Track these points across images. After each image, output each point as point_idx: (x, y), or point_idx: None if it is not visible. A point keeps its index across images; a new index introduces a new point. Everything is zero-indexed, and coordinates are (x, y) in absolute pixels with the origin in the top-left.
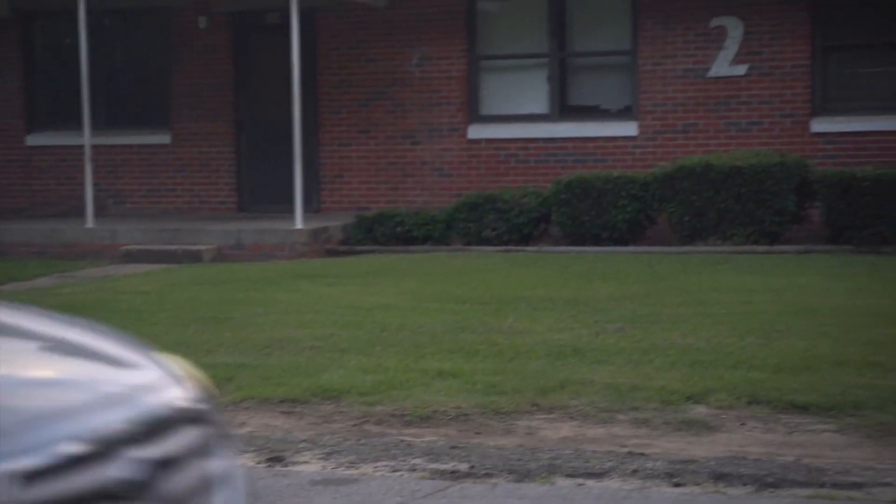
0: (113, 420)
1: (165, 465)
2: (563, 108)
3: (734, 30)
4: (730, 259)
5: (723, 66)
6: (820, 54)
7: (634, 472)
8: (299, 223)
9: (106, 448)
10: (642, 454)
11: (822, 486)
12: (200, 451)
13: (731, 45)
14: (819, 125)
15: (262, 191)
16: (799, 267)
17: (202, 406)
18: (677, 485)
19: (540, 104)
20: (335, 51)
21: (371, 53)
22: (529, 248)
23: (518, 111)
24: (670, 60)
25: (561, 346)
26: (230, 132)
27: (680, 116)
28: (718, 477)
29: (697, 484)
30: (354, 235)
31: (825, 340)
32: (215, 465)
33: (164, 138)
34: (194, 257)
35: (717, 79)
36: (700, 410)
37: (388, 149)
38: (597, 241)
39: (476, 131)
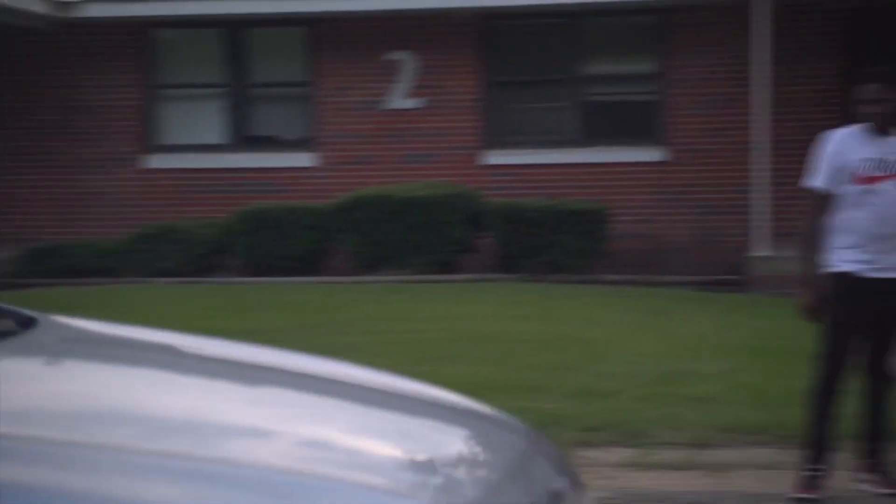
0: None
1: None
2: (243, 139)
3: (408, 64)
4: (406, 288)
5: (398, 99)
6: (490, 89)
7: None
8: None
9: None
10: None
11: None
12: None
13: (406, 79)
14: (490, 158)
15: None
16: (471, 295)
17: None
18: None
19: (219, 134)
20: (11, 77)
21: (48, 80)
22: (209, 280)
23: (197, 141)
24: (348, 92)
25: None
26: None
27: (358, 148)
28: None
29: None
30: (25, 268)
31: (490, 366)
32: None
33: None
34: None
35: (393, 111)
36: None
37: (64, 178)
38: (277, 271)
39: (154, 161)
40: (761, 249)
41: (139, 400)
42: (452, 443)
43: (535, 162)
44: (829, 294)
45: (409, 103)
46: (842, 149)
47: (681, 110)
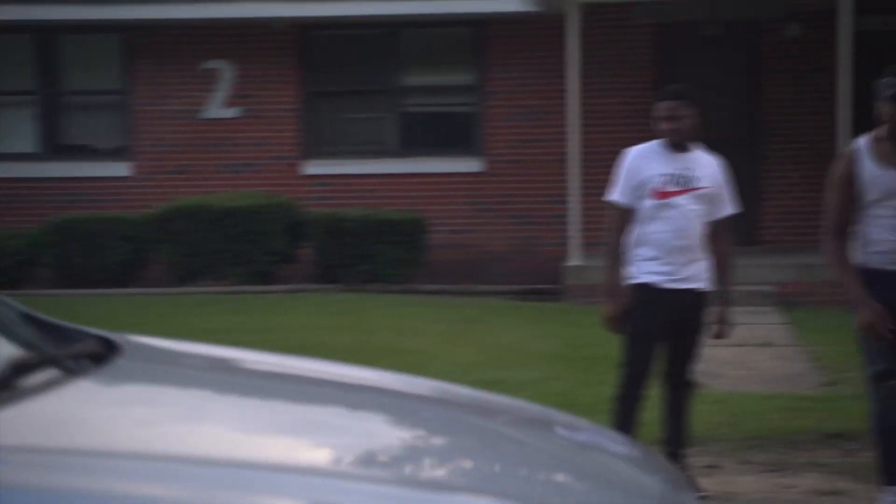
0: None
1: None
2: (55, 148)
3: (226, 73)
4: (224, 299)
5: (216, 108)
6: (308, 99)
7: None
8: None
9: None
10: None
11: None
12: None
13: (224, 88)
14: (309, 168)
15: None
16: (289, 306)
17: None
18: None
19: (31, 143)
20: None
21: None
22: (16, 292)
23: (6, 150)
24: (165, 101)
25: None
26: None
27: (175, 157)
28: None
29: None
30: None
31: None
32: None
33: None
34: None
35: (211, 121)
36: None
37: None
38: (91, 283)
39: None
40: (575, 259)
41: (268, 420)
42: (609, 481)
43: (354, 172)
44: (630, 304)
45: (228, 113)
46: (640, 164)
47: (498, 122)
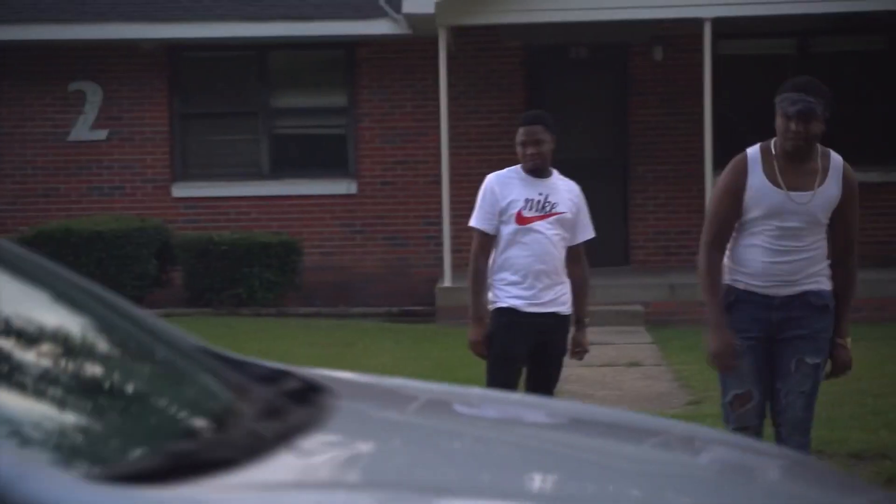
0: None
1: None
2: None
3: (93, 95)
4: None
5: (83, 130)
6: (179, 121)
7: None
8: None
9: None
10: None
11: None
12: None
13: (91, 110)
14: (180, 190)
15: None
16: None
17: None
18: None
19: None
20: None
21: None
22: None
23: None
24: (30, 123)
25: None
26: None
27: (41, 180)
28: None
29: None
30: None
31: None
32: None
33: None
34: None
35: (78, 143)
36: None
37: None
38: None
39: None
40: (447, 280)
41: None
42: None
43: (226, 195)
44: (493, 328)
45: (97, 135)
46: (500, 189)
47: (370, 143)
